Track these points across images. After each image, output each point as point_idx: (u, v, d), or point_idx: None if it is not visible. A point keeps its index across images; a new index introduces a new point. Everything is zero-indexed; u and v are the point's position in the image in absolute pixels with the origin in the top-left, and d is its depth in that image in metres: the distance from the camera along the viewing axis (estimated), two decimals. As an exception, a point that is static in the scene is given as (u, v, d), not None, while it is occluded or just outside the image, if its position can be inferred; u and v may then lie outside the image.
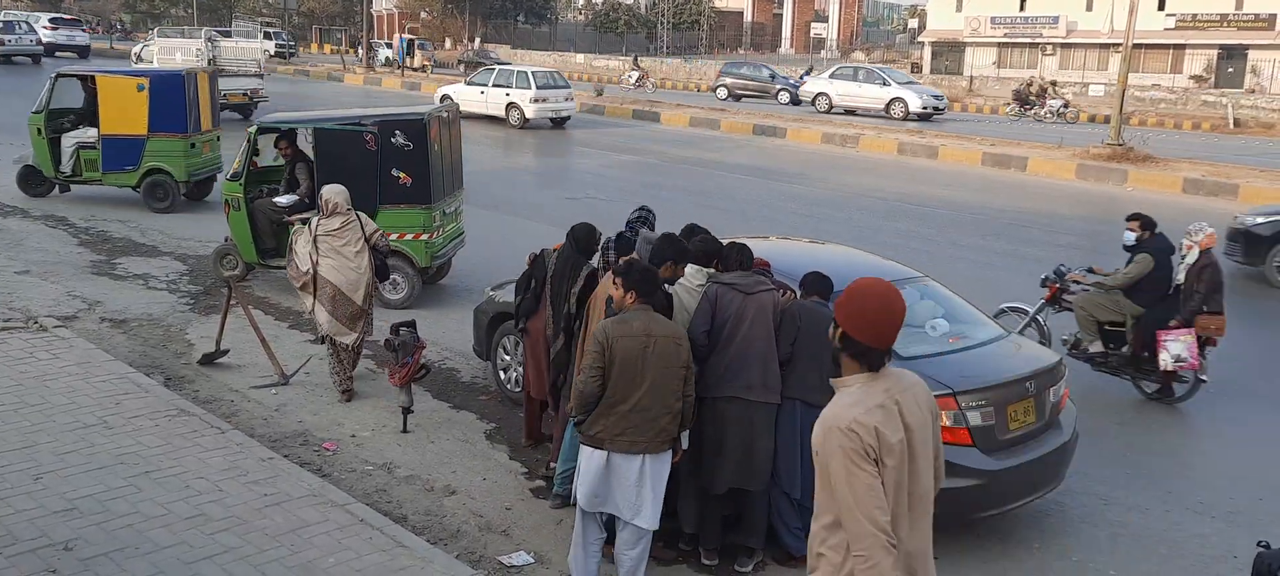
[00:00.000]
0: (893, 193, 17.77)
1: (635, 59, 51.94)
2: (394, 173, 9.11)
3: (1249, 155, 25.03)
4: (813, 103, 33.80)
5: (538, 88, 25.12)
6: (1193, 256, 7.57)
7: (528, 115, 24.98)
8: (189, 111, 13.27)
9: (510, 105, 25.24)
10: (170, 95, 13.10)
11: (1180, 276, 7.68)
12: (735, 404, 5.07)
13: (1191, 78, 47.28)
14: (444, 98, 25.79)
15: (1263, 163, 22.79)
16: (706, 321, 5.11)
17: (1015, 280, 11.92)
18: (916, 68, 52.90)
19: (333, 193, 7.19)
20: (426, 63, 47.96)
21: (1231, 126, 34.93)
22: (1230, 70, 47.29)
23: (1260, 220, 12.29)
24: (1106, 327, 7.93)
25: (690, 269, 5.41)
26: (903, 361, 5.40)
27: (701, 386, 5.17)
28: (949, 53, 56.68)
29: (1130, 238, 7.96)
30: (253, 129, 9.66)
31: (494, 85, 25.84)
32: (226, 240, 10.02)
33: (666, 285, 5.11)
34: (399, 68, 43.64)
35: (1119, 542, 5.82)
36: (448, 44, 66.34)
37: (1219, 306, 7.58)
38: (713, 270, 5.44)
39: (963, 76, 50.16)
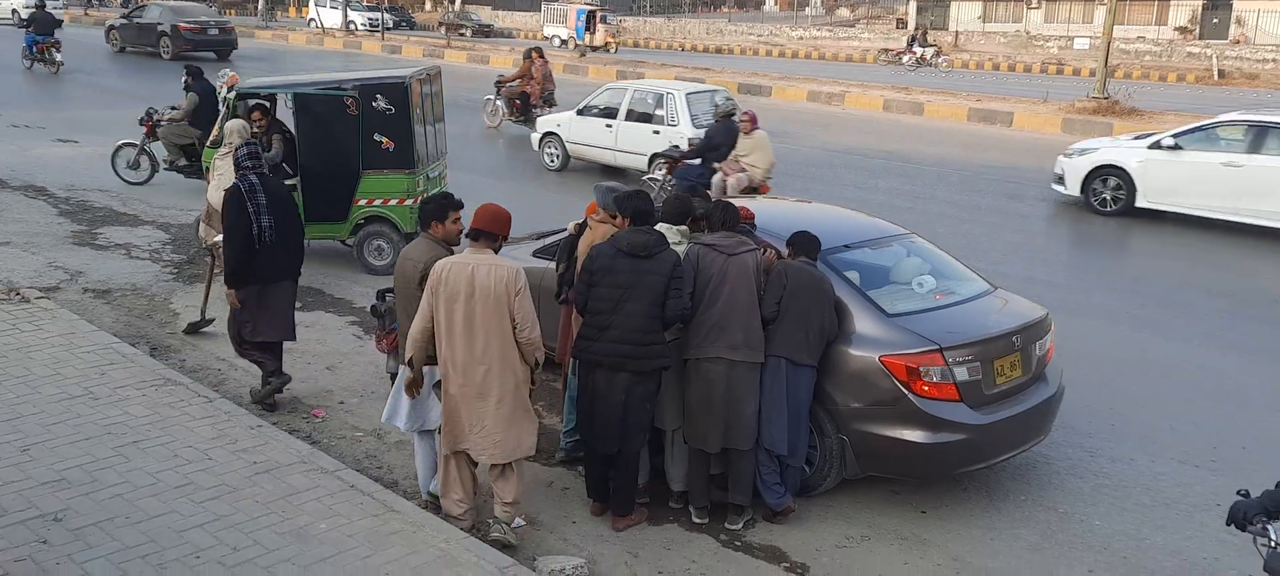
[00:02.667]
0: (880, 150, 17.74)
1: None
2: (376, 137, 9.03)
3: (1233, 106, 25.08)
4: None
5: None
6: (225, 92, 10.91)
7: (22, 16, 33.39)
8: None
9: (13, 10, 36.65)
10: None
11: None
12: (719, 364, 5.09)
13: (1176, 29, 47.20)
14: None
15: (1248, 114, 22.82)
16: (688, 283, 5.11)
17: (1001, 237, 11.95)
18: (902, 23, 52.57)
19: (229, 126, 8.28)
20: (610, 40, 38.70)
21: (1216, 78, 34.99)
22: (1215, 21, 47.17)
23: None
24: (184, 147, 12.28)
25: (662, 227, 5.39)
26: (889, 318, 5.45)
27: (685, 347, 5.19)
28: (934, 7, 56.29)
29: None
30: (231, 94, 9.54)
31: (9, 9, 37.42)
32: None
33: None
34: (578, 48, 36.68)
35: (1103, 492, 5.89)
36: (427, 5, 65.53)
37: None
38: (686, 228, 5.42)
39: (948, 31, 49.93)
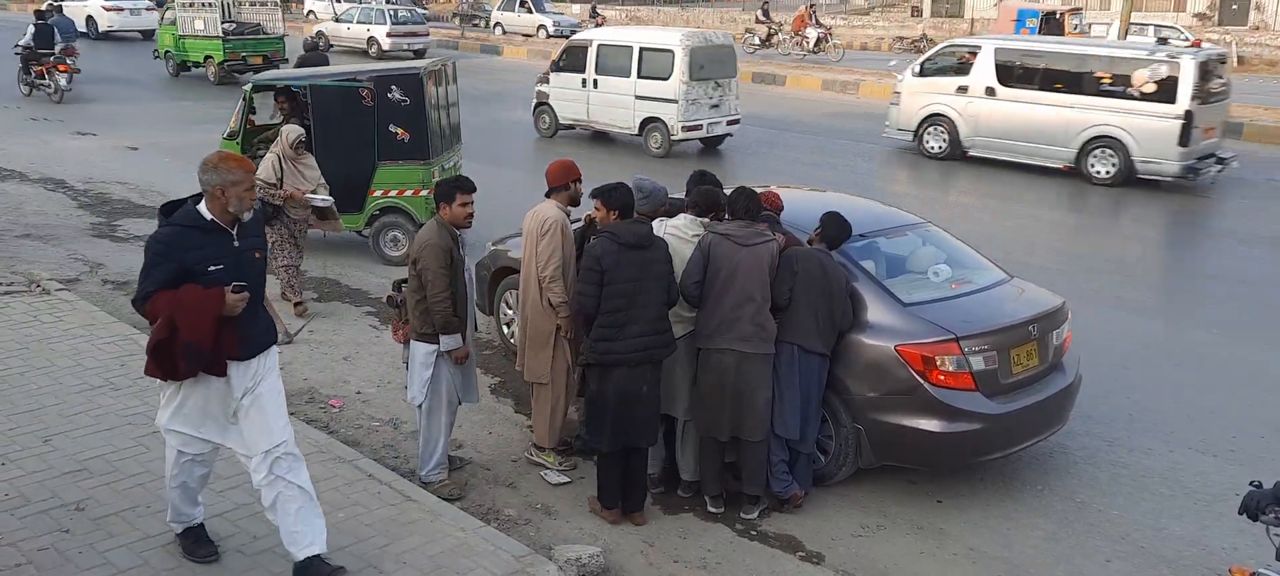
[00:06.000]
0: (892, 140, 17.64)
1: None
2: (392, 129, 9.05)
3: (1253, 94, 24.82)
4: None
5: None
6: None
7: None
8: None
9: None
10: None
11: None
12: (730, 355, 5.09)
13: (1195, 16, 46.69)
14: None
15: (1268, 101, 22.61)
16: (698, 272, 5.11)
17: (1005, 225, 11.89)
18: (917, 12, 52.21)
19: (285, 130, 8.13)
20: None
21: (1236, 64, 34.57)
22: (1234, 7, 46.61)
23: None
24: None
25: (684, 219, 5.38)
26: (905, 307, 5.44)
27: (697, 336, 5.20)
28: (949, -6, 55.81)
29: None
30: (248, 87, 9.59)
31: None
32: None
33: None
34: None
35: (1121, 482, 5.86)
36: (442, -3, 65.39)
37: None
38: (709, 220, 5.42)
39: (963, 19, 49.57)
